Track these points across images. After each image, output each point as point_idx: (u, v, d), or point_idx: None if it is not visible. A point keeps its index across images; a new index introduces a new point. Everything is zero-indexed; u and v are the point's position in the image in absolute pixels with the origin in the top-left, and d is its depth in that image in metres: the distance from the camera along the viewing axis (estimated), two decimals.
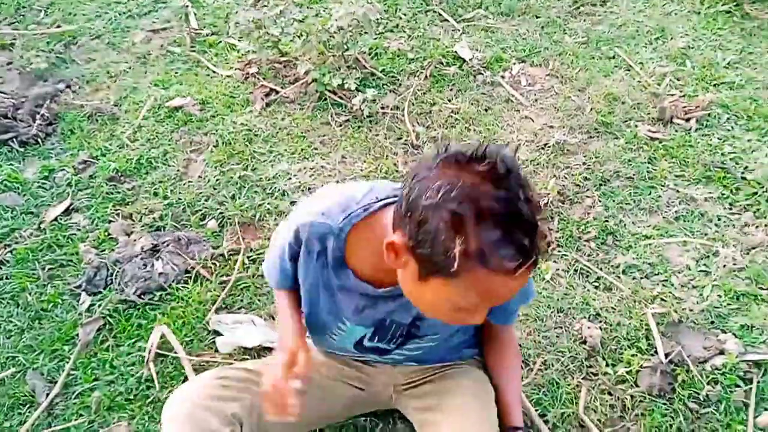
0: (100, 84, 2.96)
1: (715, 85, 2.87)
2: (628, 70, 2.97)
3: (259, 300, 2.09)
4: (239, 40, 3.10)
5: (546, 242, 0.98)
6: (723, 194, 2.38)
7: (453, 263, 0.94)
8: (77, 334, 1.98)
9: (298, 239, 1.25)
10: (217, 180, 2.46)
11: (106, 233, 2.27)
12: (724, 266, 2.14)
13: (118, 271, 2.12)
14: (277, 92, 2.85)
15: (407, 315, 1.31)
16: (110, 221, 2.31)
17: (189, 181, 2.46)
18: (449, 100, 2.82)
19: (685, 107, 2.70)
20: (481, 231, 0.93)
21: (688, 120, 2.66)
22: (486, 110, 2.76)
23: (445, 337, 1.40)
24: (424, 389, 1.50)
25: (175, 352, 1.91)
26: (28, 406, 1.83)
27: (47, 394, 1.83)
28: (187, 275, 2.14)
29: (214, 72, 3.00)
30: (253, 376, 1.40)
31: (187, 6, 3.24)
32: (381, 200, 1.19)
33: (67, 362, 1.91)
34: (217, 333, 1.98)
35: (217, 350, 1.94)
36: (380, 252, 1.06)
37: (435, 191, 0.95)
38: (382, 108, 2.77)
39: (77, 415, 1.80)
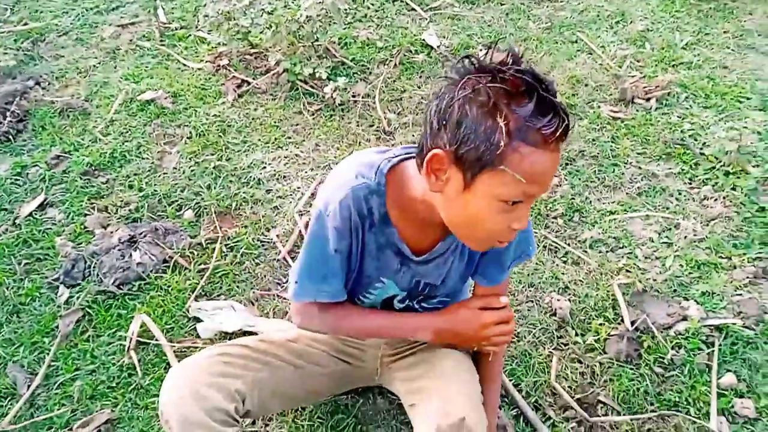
0: (69, 80, 2.93)
1: (673, 65, 2.94)
2: (591, 54, 3.02)
3: (237, 287, 2.10)
4: (209, 33, 3.10)
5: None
6: (683, 170, 2.45)
7: (499, 146, 0.99)
8: (57, 326, 1.97)
9: (344, 216, 1.20)
10: (192, 171, 2.46)
11: (82, 226, 2.26)
12: (686, 237, 2.20)
13: (95, 263, 2.11)
14: (249, 83, 2.85)
15: (437, 277, 1.36)
16: (86, 215, 2.30)
17: (164, 173, 2.46)
18: (419, 87, 2.85)
19: (645, 87, 2.76)
20: (515, 108, 1.00)
21: (648, 100, 2.73)
22: None
23: (451, 299, 1.44)
24: (409, 360, 1.52)
25: (157, 340, 1.92)
26: (9, 398, 1.81)
27: (28, 386, 1.82)
28: (165, 265, 2.14)
29: (184, 65, 2.99)
30: (252, 353, 1.41)
31: (156, 0, 3.20)
32: (398, 155, 1.22)
33: (48, 354, 1.90)
34: (198, 320, 1.99)
35: (198, 336, 1.94)
36: (414, 206, 1.18)
37: (464, 89, 1.01)
38: (354, 96, 2.78)
39: (59, 405, 1.79)
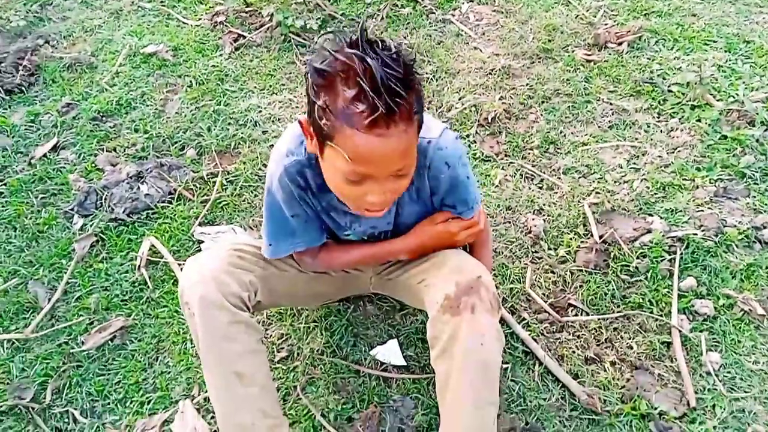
0: (76, 38, 3.02)
1: (645, 14, 3.02)
2: (567, 5, 3.10)
3: (238, 215, 2.21)
4: None
5: (409, 103, 1.06)
6: (651, 105, 2.54)
7: (327, 124, 1.06)
8: (73, 249, 2.08)
9: (286, 189, 1.31)
10: (193, 115, 2.55)
11: (93, 165, 2.36)
12: (652, 163, 2.30)
13: (106, 195, 2.21)
14: (245, 37, 2.94)
15: (386, 223, 1.45)
16: (96, 155, 2.40)
17: (167, 117, 2.55)
18: (405, 37, 2.93)
19: (617, 33, 2.84)
20: (342, 90, 1.04)
21: (620, 44, 2.81)
22: (439, 44, 2.88)
23: None
24: (406, 261, 1.57)
25: (165, 259, 2.03)
26: (31, 311, 1.93)
27: (49, 299, 1.93)
28: (170, 196, 2.24)
29: (184, 22, 3.07)
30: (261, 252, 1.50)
31: None
32: None
33: (65, 273, 2.01)
34: (202, 243, 2.10)
35: None
36: None
37: (314, 63, 1.06)
38: None
39: (77, 315, 1.90)
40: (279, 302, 1.65)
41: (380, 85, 1.00)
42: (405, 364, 1.76)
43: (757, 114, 2.37)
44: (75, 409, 1.70)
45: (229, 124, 2.52)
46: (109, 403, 1.71)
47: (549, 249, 2.06)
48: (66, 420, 1.68)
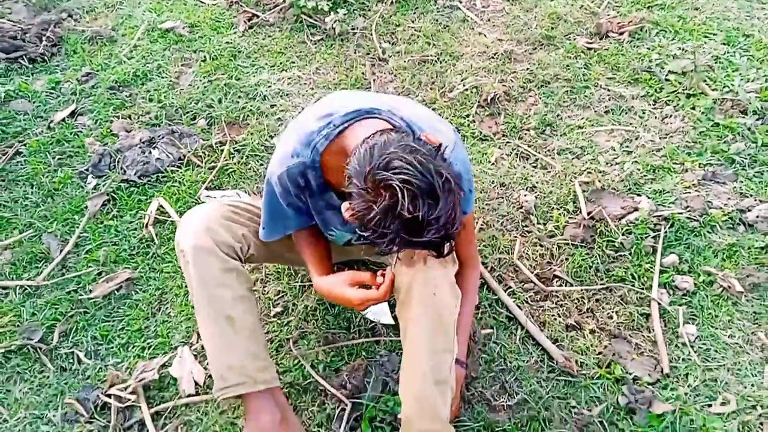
0: (98, 13, 3.10)
1: (648, 6, 3.04)
2: None
3: (243, 182, 2.27)
4: None
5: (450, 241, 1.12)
6: (648, 92, 2.56)
7: None
8: (85, 206, 2.16)
9: (284, 186, 1.36)
10: (205, 87, 2.62)
11: (108, 130, 2.43)
12: (644, 146, 2.33)
13: (120, 158, 2.29)
14: (259, 17, 3.00)
15: None
16: (112, 121, 2.48)
17: (181, 89, 2.63)
18: (412, 21, 2.98)
19: (619, 23, 2.87)
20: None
21: (621, 34, 2.84)
22: (445, 28, 2.92)
23: None
24: None
25: (172, 219, 2.10)
26: (43, 261, 2.01)
27: (61, 250, 2.01)
28: (180, 162, 2.32)
29: (201, 2, 3.14)
30: (257, 210, 1.55)
31: None
32: (338, 127, 1.28)
33: (77, 227, 2.09)
34: None
35: None
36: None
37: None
38: (353, 29, 2.92)
39: (87, 266, 1.98)
40: (273, 259, 1.71)
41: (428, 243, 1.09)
42: (394, 323, 1.82)
43: (750, 103, 2.40)
44: (80, 351, 1.78)
45: (240, 97, 2.59)
46: (112, 347, 1.79)
47: (538, 223, 2.11)
48: (71, 360, 1.76)
